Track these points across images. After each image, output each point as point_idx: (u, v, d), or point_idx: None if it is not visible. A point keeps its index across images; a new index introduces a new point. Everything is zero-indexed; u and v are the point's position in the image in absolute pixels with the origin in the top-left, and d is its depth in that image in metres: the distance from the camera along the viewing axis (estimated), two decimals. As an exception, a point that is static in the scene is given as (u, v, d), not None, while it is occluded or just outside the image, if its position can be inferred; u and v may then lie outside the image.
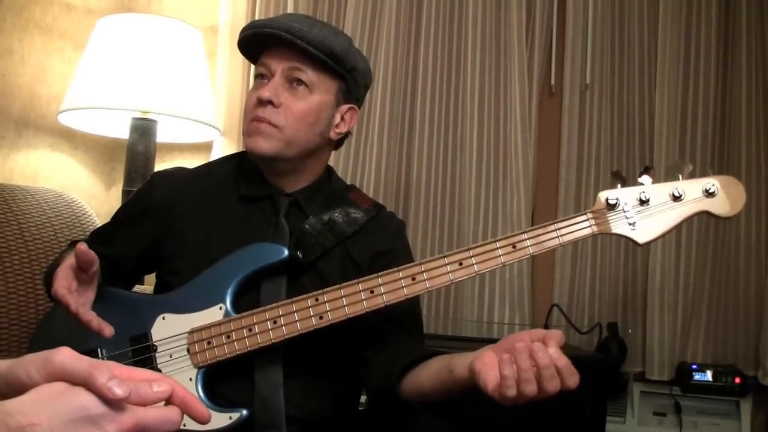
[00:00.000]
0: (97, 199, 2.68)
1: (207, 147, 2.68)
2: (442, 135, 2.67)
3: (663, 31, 2.61)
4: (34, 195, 2.04)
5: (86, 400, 0.61)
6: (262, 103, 1.41)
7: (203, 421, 0.70)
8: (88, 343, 1.39)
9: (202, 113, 2.35)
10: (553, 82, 2.71)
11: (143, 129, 2.38)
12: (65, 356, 0.62)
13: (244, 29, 1.46)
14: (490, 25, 2.66)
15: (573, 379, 1.06)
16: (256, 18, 2.64)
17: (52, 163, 2.58)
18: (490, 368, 1.09)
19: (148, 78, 2.25)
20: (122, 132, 2.48)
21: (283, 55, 1.43)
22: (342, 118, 1.50)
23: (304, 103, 1.43)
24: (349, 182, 1.67)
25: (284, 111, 1.42)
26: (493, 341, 1.17)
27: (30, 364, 0.62)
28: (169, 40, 2.32)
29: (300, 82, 1.42)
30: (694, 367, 2.50)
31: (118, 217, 1.60)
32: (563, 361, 1.05)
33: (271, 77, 1.43)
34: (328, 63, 1.42)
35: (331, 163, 2.54)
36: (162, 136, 2.47)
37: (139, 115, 2.36)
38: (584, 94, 2.66)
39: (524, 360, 1.05)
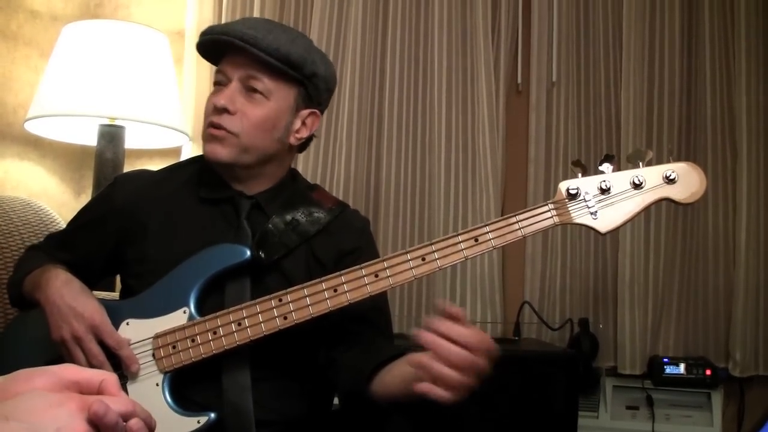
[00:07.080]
0: (66, 206, 2.66)
1: (176, 152, 2.67)
2: (410, 135, 2.68)
3: (627, 25, 2.63)
4: (1, 204, 2.02)
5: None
6: (218, 110, 1.41)
7: None
8: (53, 352, 1.38)
9: (170, 118, 2.34)
10: (519, 80, 2.73)
11: (111, 135, 2.37)
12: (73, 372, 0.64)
13: (202, 34, 1.46)
14: (456, 24, 2.67)
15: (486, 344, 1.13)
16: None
17: (20, 171, 2.56)
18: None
19: (115, 84, 2.23)
20: (90, 139, 2.46)
21: (240, 62, 1.42)
22: (303, 123, 1.49)
23: (261, 109, 1.42)
24: (318, 183, 1.67)
25: (240, 117, 1.41)
26: None
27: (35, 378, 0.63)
28: (136, 45, 2.30)
29: (256, 90, 1.42)
30: (665, 360, 2.52)
31: (79, 220, 1.59)
32: (475, 338, 1.11)
33: (228, 83, 1.43)
34: (284, 70, 1.41)
35: (299, 163, 2.57)
36: (130, 142, 2.45)
37: (106, 121, 2.35)
38: (551, 91, 2.68)
39: (438, 367, 1.11)
